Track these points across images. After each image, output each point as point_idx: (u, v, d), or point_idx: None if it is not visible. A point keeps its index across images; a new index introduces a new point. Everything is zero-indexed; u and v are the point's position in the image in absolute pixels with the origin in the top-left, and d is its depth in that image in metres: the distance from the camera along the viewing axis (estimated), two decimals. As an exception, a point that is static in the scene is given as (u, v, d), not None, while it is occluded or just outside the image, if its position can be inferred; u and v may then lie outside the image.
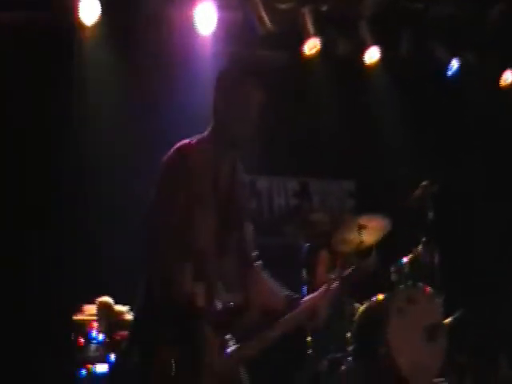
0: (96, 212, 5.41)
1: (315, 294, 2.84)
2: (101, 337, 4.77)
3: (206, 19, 5.10)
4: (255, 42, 5.58)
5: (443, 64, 6.55)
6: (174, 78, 5.61)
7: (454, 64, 6.55)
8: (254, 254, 2.94)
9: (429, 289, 4.96)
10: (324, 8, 5.66)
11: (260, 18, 5.31)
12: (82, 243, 5.32)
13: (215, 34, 5.36)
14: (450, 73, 6.59)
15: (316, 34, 5.77)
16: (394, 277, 5.08)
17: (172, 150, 2.72)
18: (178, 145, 2.74)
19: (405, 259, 5.10)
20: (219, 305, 2.68)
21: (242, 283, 2.86)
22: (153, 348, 2.55)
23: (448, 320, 5.04)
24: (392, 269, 5.09)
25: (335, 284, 2.83)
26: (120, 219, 5.35)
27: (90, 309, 4.88)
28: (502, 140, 6.92)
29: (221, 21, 5.20)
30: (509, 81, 6.74)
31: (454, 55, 6.51)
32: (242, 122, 2.74)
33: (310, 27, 5.67)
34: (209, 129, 2.78)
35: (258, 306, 2.79)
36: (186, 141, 2.76)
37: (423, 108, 6.76)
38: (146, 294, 2.66)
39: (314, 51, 5.87)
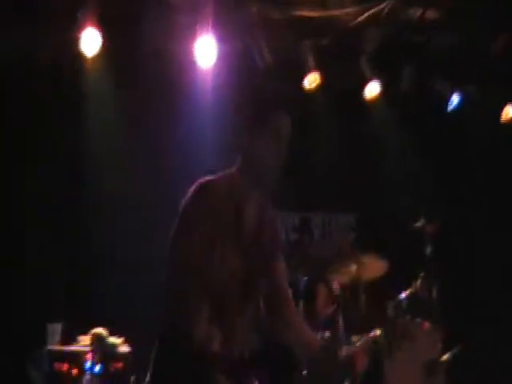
0: (93, 242, 5.42)
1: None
2: (97, 368, 4.74)
3: (206, 52, 5.11)
4: (256, 75, 5.62)
5: (444, 98, 6.58)
6: (176, 112, 5.65)
7: (455, 99, 6.58)
8: (287, 299, 2.82)
9: (427, 324, 4.93)
10: (324, 42, 5.69)
11: (261, 51, 5.35)
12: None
13: (216, 67, 5.38)
14: (450, 107, 6.62)
15: (316, 68, 5.79)
16: (391, 312, 5.06)
17: (194, 186, 2.62)
18: (201, 180, 2.63)
19: (403, 294, 5.08)
20: (238, 352, 2.57)
21: (271, 331, 2.77)
22: None
23: (446, 356, 5.00)
24: (390, 304, 5.08)
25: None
26: (116, 251, 5.37)
27: (85, 339, 4.87)
28: (503, 173, 6.92)
29: (221, 53, 5.22)
30: (510, 115, 6.76)
31: (455, 89, 6.54)
32: (272, 158, 2.63)
33: (310, 61, 5.70)
34: (235, 165, 2.67)
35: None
36: (210, 177, 2.66)
37: (425, 141, 6.77)
38: (161, 333, 2.58)
39: (314, 85, 5.89)
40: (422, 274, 5.06)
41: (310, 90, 5.92)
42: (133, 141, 5.59)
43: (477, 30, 5.86)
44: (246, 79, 5.66)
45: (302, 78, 5.86)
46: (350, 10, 5.38)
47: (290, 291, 2.88)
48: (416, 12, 5.61)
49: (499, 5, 5.71)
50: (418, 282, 5.05)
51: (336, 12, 5.43)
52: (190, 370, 2.43)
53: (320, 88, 5.95)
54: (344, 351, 2.79)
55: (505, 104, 6.75)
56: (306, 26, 5.41)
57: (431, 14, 5.66)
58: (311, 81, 5.85)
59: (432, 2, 5.52)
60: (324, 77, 5.86)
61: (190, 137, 5.71)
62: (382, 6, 5.41)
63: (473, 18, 5.71)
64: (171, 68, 5.30)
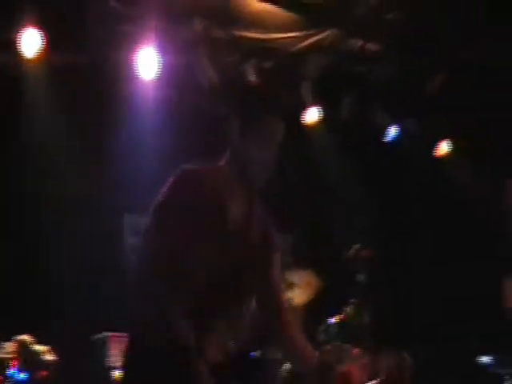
0: (21, 246, 5.38)
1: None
2: (22, 375, 4.66)
3: (148, 64, 5.14)
4: (198, 91, 5.67)
5: (383, 129, 6.74)
6: (117, 122, 5.64)
7: (393, 130, 6.74)
8: (280, 302, 2.67)
9: (356, 350, 4.97)
10: (268, 65, 5.76)
11: (204, 69, 5.39)
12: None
13: (159, 80, 5.41)
14: (388, 138, 6.78)
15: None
16: (321, 336, 5.10)
17: (176, 174, 2.48)
18: (184, 168, 2.51)
19: (332, 319, 5.12)
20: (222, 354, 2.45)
21: (267, 334, 2.68)
22: None
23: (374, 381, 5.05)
24: (320, 328, 5.11)
25: None
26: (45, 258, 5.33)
27: (10, 346, 4.80)
28: (440, 207, 7.08)
29: (165, 67, 5.25)
30: (444, 151, 6.96)
31: (393, 121, 6.71)
32: (263, 159, 2.52)
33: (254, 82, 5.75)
34: (223, 160, 2.56)
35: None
36: (194, 167, 2.53)
37: (364, 169, 6.90)
38: (133, 332, 2.47)
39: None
40: (353, 300, 5.11)
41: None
42: (71, 146, 5.57)
43: (415, 65, 6.04)
44: (188, 96, 5.75)
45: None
46: (293, 34, 5.48)
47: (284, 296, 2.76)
48: (357, 43, 5.75)
49: (437, 43, 5.92)
50: (349, 307, 5.10)
51: (279, 36, 5.54)
52: (169, 365, 2.31)
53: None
54: (340, 367, 2.66)
55: (441, 139, 6.96)
56: (249, 47, 5.49)
57: (372, 47, 5.81)
58: None
59: (372, 35, 5.67)
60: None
61: (129, 145, 5.73)
62: (324, 34, 5.55)
63: (410, 53, 5.89)
64: (112, 76, 5.30)
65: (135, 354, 2.44)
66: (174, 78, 5.40)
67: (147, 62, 5.14)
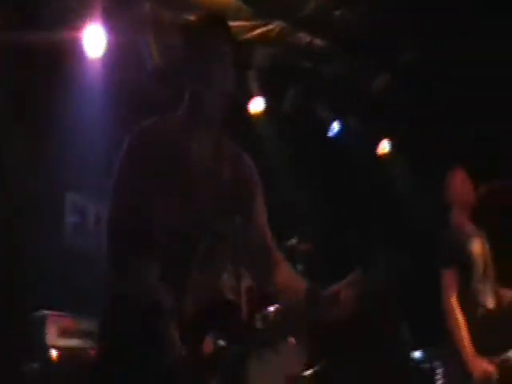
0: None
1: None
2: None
3: (94, 42, 5.08)
4: (144, 73, 5.66)
5: (326, 124, 6.84)
6: (63, 100, 5.59)
7: (336, 126, 6.85)
8: (268, 241, 2.62)
9: (293, 340, 5.03)
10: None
11: (150, 51, 5.39)
12: None
13: (105, 57, 5.37)
14: (331, 133, 6.89)
15: None
16: (259, 324, 5.14)
17: (129, 135, 2.44)
18: (135, 128, 2.46)
19: (271, 308, 5.17)
20: (192, 308, 2.32)
21: (254, 277, 2.56)
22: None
23: (309, 372, 5.11)
24: (257, 316, 5.16)
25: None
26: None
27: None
28: (380, 201, 7.21)
29: (110, 45, 5.23)
30: (386, 150, 7.11)
31: (337, 117, 6.81)
32: (219, 82, 2.44)
33: None
34: (179, 110, 2.50)
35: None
36: (147, 122, 2.48)
37: (307, 163, 6.98)
38: (107, 294, 2.41)
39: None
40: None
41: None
42: (17, 127, 5.50)
43: (360, 63, 6.14)
44: (133, 76, 5.73)
45: None
46: (240, 23, 5.52)
47: (270, 232, 2.66)
48: (305, 38, 5.83)
49: (383, 44, 6.03)
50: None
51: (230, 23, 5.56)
52: (142, 328, 2.24)
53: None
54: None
55: (383, 137, 7.11)
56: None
57: (319, 42, 5.90)
58: None
59: (319, 31, 5.75)
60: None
61: (75, 125, 5.69)
62: (271, 26, 5.61)
63: (356, 52, 6.00)
64: (58, 52, 5.26)
65: (110, 320, 2.38)
66: (119, 56, 5.37)
67: (93, 40, 5.11)
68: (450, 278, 4.50)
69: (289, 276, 2.64)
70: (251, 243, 2.55)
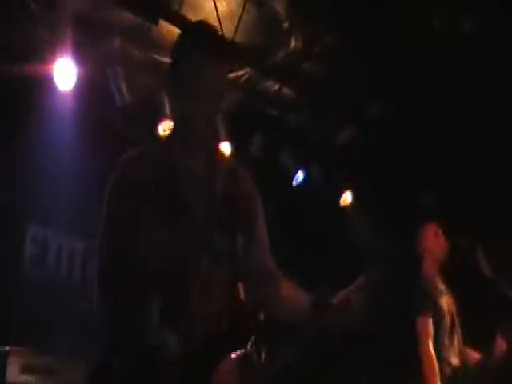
0: None
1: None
2: None
3: (64, 74, 5.10)
4: (113, 109, 5.72)
5: (290, 172, 6.93)
6: (33, 132, 5.61)
7: (300, 175, 6.94)
8: (269, 257, 2.52)
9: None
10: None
11: (119, 87, 5.45)
12: None
13: (76, 91, 5.42)
14: (295, 182, 6.98)
15: (171, 117, 5.90)
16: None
17: (115, 168, 2.37)
18: (120, 159, 2.39)
19: (233, 355, 5.15)
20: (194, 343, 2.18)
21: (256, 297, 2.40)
22: None
23: None
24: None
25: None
26: None
27: None
28: (340, 255, 7.27)
29: (81, 79, 5.29)
30: (348, 201, 7.20)
31: (301, 166, 6.91)
32: (207, 106, 2.31)
33: (167, 109, 5.81)
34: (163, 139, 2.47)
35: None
36: (130, 153, 2.40)
37: (270, 210, 7.02)
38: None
39: (167, 133, 5.94)
40: (252, 337, 5.15)
41: (162, 137, 6.02)
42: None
43: (325, 115, 6.28)
44: (102, 112, 5.79)
45: (156, 123, 5.84)
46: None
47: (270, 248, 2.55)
48: (273, 86, 5.96)
49: (349, 97, 6.19)
50: (249, 344, 5.15)
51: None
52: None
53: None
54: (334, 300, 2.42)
55: (345, 189, 7.21)
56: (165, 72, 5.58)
57: (287, 91, 6.04)
58: (165, 128, 5.83)
59: (287, 81, 5.89)
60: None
61: (43, 155, 5.71)
62: (242, 71, 5.73)
63: (322, 104, 6.14)
64: (28, 83, 5.31)
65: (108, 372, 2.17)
66: (89, 90, 5.44)
67: (64, 73, 5.16)
68: (424, 325, 4.51)
69: (294, 293, 2.53)
70: (252, 261, 2.41)
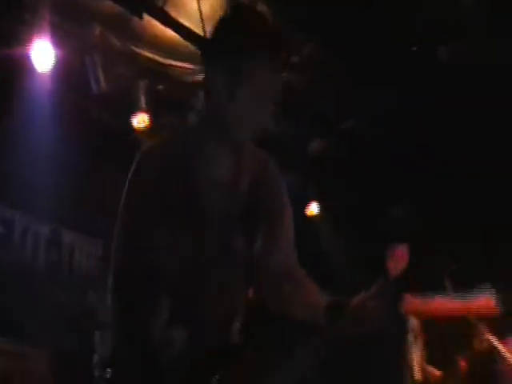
0: None
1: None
2: None
3: (42, 57, 5.09)
4: (89, 96, 5.76)
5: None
6: (7, 113, 5.63)
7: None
8: (292, 261, 2.43)
9: None
10: (160, 87, 5.92)
11: (96, 75, 5.50)
12: None
13: (54, 73, 5.43)
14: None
15: (147, 110, 5.89)
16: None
17: (134, 162, 2.24)
18: (140, 151, 2.25)
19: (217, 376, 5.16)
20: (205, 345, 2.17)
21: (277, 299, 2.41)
22: None
23: None
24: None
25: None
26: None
27: None
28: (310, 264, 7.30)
29: (59, 63, 5.29)
30: (314, 212, 7.29)
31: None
32: (254, 117, 2.17)
33: (142, 101, 5.83)
34: (192, 120, 2.35)
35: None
36: (152, 143, 2.31)
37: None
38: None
39: (142, 125, 5.91)
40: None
41: (137, 129, 5.94)
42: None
43: (295, 127, 6.35)
44: (78, 98, 5.84)
45: (131, 115, 5.91)
46: (189, 66, 5.69)
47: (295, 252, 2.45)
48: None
49: (323, 109, 6.29)
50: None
51: (176, 63, 5.74)
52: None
53: (148, 130, 5.94)
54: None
55: (312, 200, 7.29)
56: (144, 65, 5.65)
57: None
58: (140, 120, 5.90)
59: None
60: (153, 120, 5.91)
61: (15, 136, 5.73)
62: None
63: (295, 113, 6.21)
64: (6, 62, 5.33)
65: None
66: (66, 75, 5.48)
67: (42, 54, 5.18)
68: None
69: (313, 294, 2.45)
70: (272, 261, 2.36)
